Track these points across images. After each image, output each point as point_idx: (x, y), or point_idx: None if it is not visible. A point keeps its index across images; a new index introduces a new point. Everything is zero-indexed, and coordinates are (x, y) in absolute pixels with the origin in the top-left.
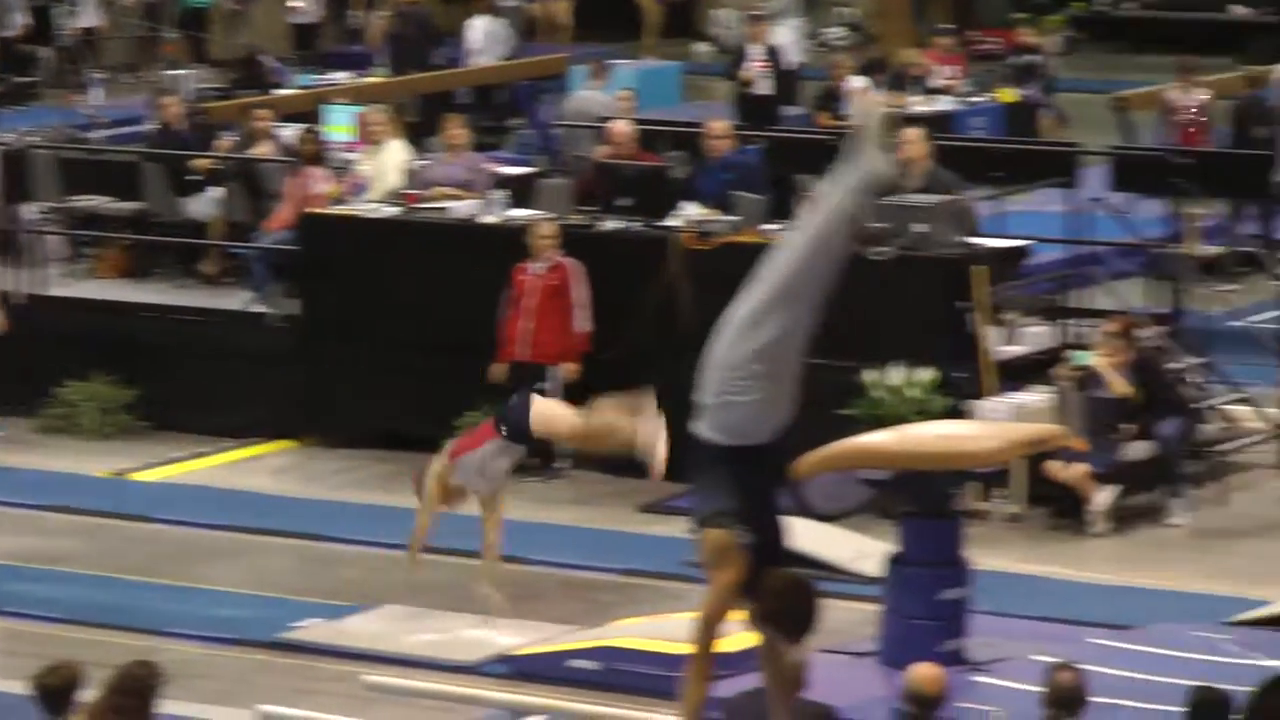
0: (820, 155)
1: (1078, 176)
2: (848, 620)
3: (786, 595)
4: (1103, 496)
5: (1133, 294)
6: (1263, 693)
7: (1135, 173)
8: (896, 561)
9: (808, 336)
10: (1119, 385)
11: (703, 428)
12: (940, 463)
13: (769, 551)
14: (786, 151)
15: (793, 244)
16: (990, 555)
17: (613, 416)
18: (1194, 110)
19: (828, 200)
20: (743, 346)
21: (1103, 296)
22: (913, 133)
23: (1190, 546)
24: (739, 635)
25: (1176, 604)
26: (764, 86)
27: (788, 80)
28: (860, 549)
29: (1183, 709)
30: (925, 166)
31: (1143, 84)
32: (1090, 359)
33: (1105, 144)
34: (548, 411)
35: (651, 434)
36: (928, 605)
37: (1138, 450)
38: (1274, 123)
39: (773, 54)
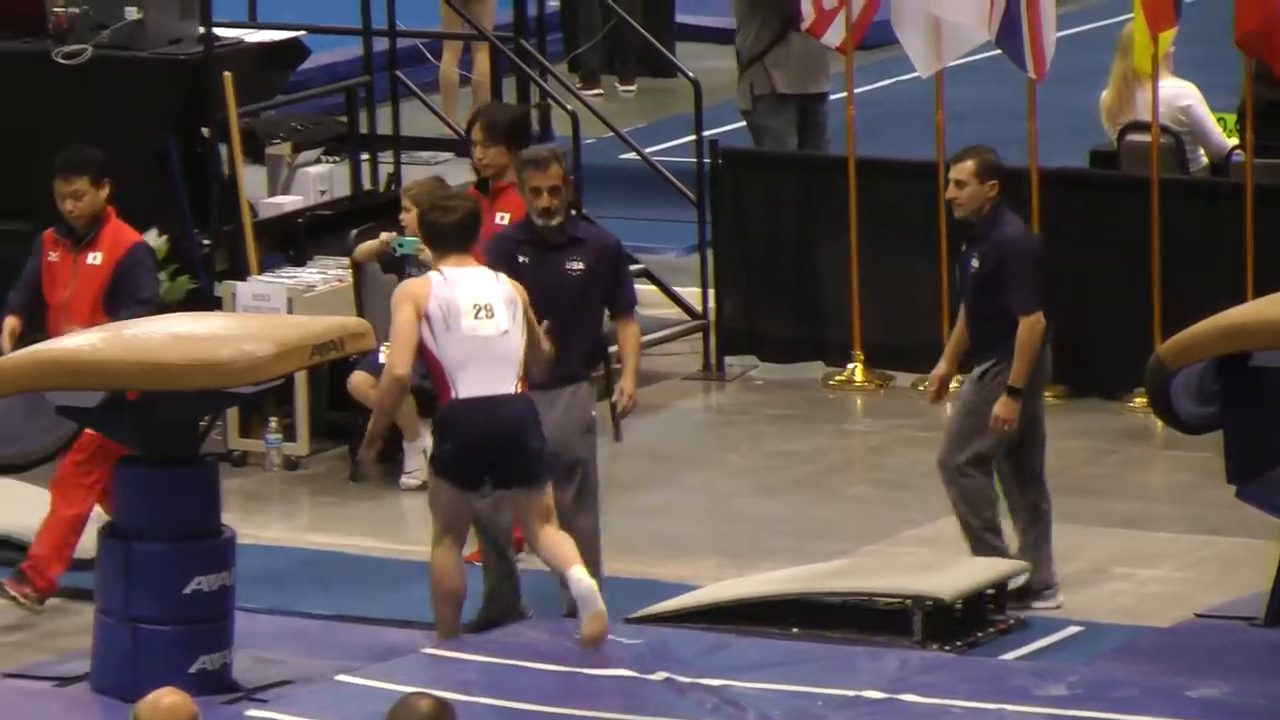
0: None
1: None
2: (33, 626)
3: None
4: (429, 432)
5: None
6: None
7: None
8: (111, 534)
9: None
10: None
11: None
12: (176, 379)
13: None
14: None
15: None
16: (264, 522)
17: None
18: None
19: None
20: None
21: (412, 115)
22: None
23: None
24: None
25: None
26: None
27: None
28: None
29: None
30: None
31: None
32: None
33: None
34: None
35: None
36: (167, 601)
37: None
38: None
39: None
